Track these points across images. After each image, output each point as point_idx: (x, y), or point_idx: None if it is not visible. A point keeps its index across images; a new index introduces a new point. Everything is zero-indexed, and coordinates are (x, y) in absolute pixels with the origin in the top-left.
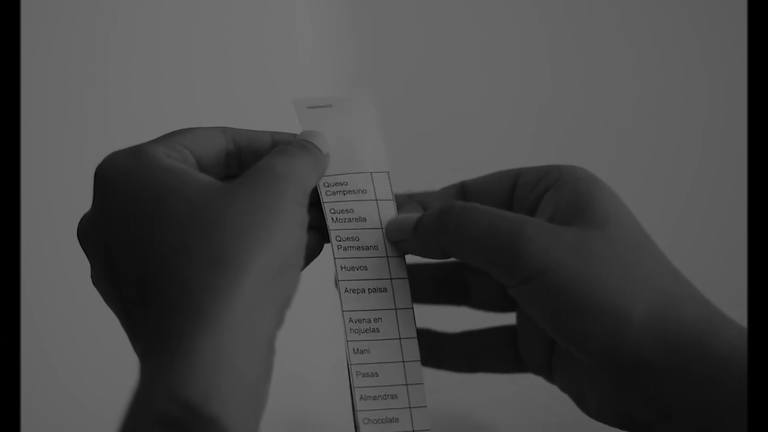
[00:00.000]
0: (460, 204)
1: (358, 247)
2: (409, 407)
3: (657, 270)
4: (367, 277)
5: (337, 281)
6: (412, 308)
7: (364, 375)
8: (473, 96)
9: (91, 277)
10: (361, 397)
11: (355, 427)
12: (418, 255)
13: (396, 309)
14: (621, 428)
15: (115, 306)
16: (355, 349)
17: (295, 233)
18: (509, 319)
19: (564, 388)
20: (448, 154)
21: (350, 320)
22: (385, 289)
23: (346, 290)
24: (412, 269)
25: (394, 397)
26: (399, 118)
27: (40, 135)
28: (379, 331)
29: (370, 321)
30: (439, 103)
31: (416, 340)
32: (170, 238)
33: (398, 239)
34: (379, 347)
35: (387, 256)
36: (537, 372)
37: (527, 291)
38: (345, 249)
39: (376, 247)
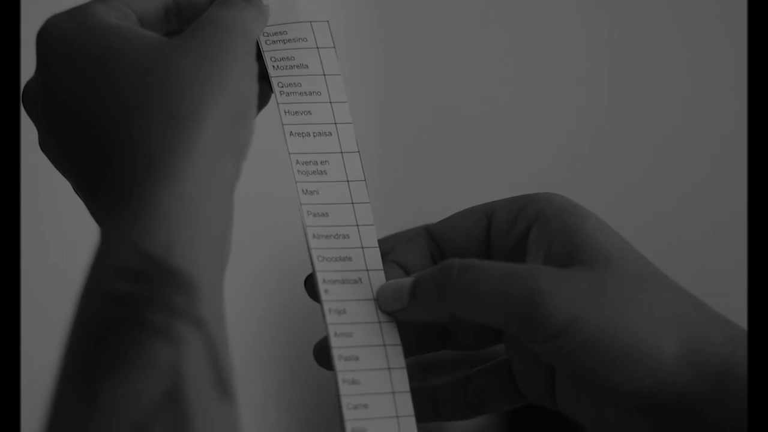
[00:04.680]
0: (457, 262)
1: (300, 93)
2: (362, 247)
3: (673, 298)
4: (312, 121)
5: (282, 125)
6: (359, 152)
7: (315, 215)
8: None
9: (40, 144)
10: (314, 236)
11: (312, 265)
12: (418, 321)
13: (342, 152)
14: None
15: (69, 172)
16: (304, 190)
17: (247, 82)
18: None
19: (571, 414)
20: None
21: (297, 162)
22: (330, 133)
23: (291, 134)
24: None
25: (345, 237)
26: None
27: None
28: (326, 173)
29: (316, 163)
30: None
31: (364, 183)
32: (126, 95)
33: (394, 309)
34: (327, 189)
35: (330, 102)
36: (537, 401)
37: (554, 348)
38: (288, 95)
39: (319, 93)
